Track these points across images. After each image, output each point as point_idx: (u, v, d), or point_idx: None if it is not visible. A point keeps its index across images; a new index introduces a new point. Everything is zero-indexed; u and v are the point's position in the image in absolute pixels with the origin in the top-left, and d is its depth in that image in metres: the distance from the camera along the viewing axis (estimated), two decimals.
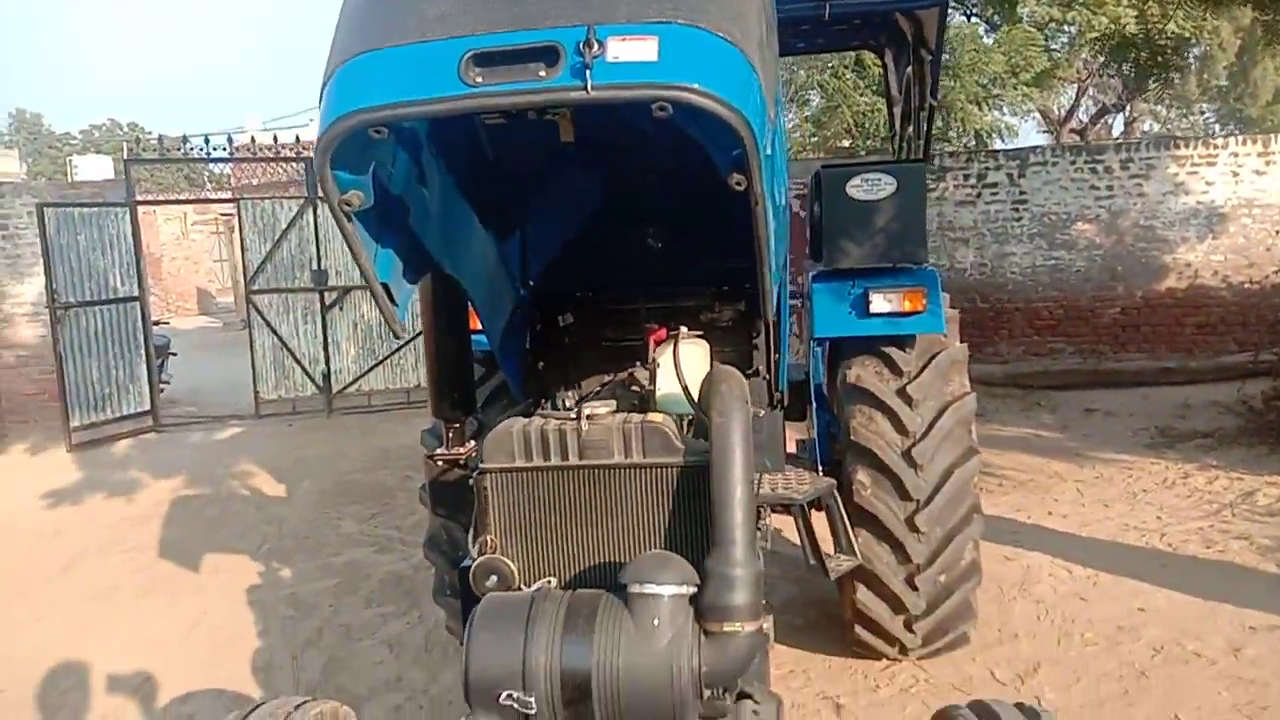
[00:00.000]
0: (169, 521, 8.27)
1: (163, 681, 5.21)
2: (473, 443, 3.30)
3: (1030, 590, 5.72)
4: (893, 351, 4.39)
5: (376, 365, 12.71)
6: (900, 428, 4.24)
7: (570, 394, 3.37)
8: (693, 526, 2.47)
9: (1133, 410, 9.97)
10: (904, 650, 4.52)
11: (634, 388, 3.17)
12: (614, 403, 2.63)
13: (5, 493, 9.53)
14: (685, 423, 2.93)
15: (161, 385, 13.26)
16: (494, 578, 2.49)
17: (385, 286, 2.47)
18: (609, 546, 2.51)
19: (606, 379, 3.49)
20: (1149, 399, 10.36)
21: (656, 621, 2.17)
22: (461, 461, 3.18)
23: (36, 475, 10.06)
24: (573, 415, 2.52)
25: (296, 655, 5.41)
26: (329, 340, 12.53)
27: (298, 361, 12.51)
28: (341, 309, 12.55)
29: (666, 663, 2.16)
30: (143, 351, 11.99)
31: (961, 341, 4.61)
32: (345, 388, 12.68)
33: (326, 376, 12.56)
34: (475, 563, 2.51)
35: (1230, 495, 7.16)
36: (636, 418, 2.53)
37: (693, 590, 2.22)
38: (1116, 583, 5.76)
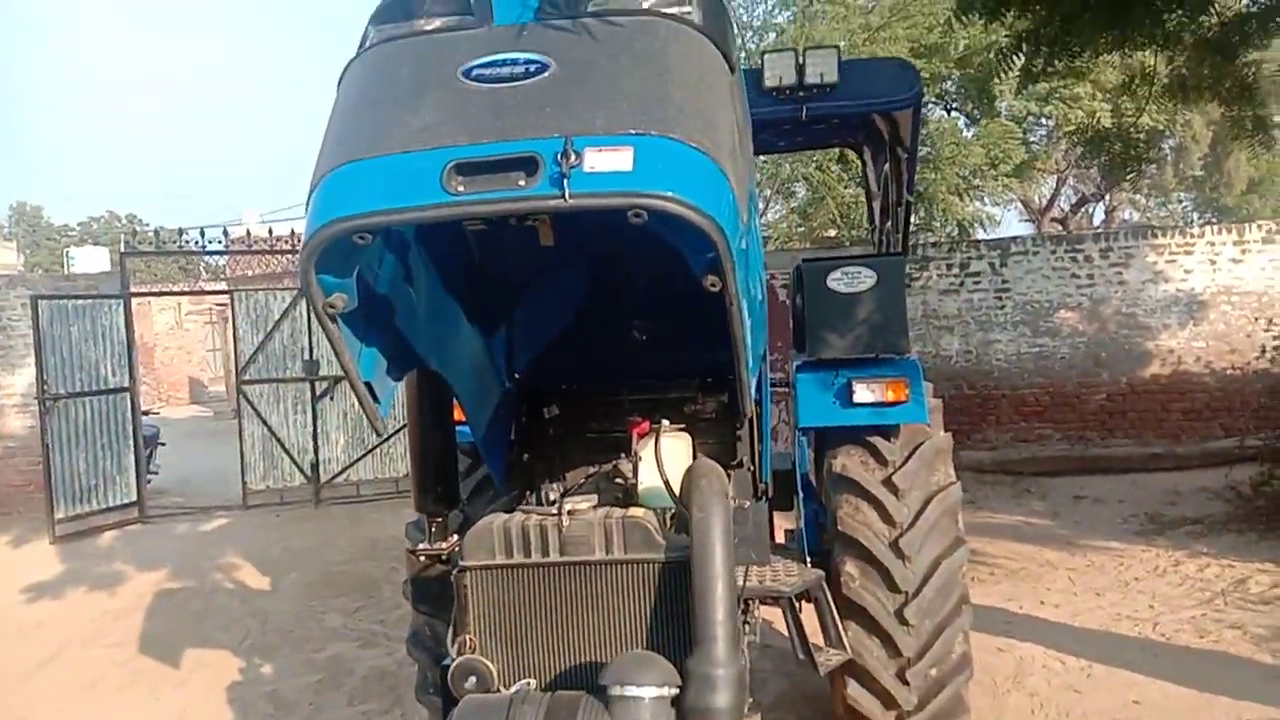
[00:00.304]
0: (152, 614, 8.14)
1: None
2: (455, 537, 3.30)
3: (1024, 683, 5.64)
4: (878, 441, 4.42)
5: (365, 455, 12.67)
6: (887, 518, 4.25)
7: (555, 486, 3.39)
8: (674, 624, 2.47)
9: (1121, 496, 9.97)
10: None
11: (617, 479, 3.19)
12: (595, 497, 2.65)
13: None
14: (668, 517, 2.95)
15: (149, 475, 13.17)
16: (473, 679, 2.47)
17: (368, 385, 2.50)
18: (590, 645, 2.50)
19: (591, 471, 3.51)
20: (1138, 485, 10.36)
21: None
22: (444, 557, 3.18)
23: (19, 568, 9.92)
24: (554, 511, 2.54)
25: None
26: (319, 430, 12.51)
27: (286, 451, 12.46)
28: (332, 398, 12.56)
29: None
30: (131, 442, 11.94)
31: (947, 430, 4.65)
32: (334, 477, 12.61)
33: (315, 466, 12.50)
34: (454, 663, 2.50)
35: (1222, 583, 7.13)
36: (618, 513, 2.55)
37: (674, 692, 2.20)
38: (1110, 674, 5.69)
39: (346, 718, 5.77)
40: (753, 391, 2.67)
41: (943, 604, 4.25)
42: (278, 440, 12.41)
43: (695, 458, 2.95)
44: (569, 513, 2.52)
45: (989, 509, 9.82)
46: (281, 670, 6.61)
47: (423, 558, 3.18)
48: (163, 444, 14.49)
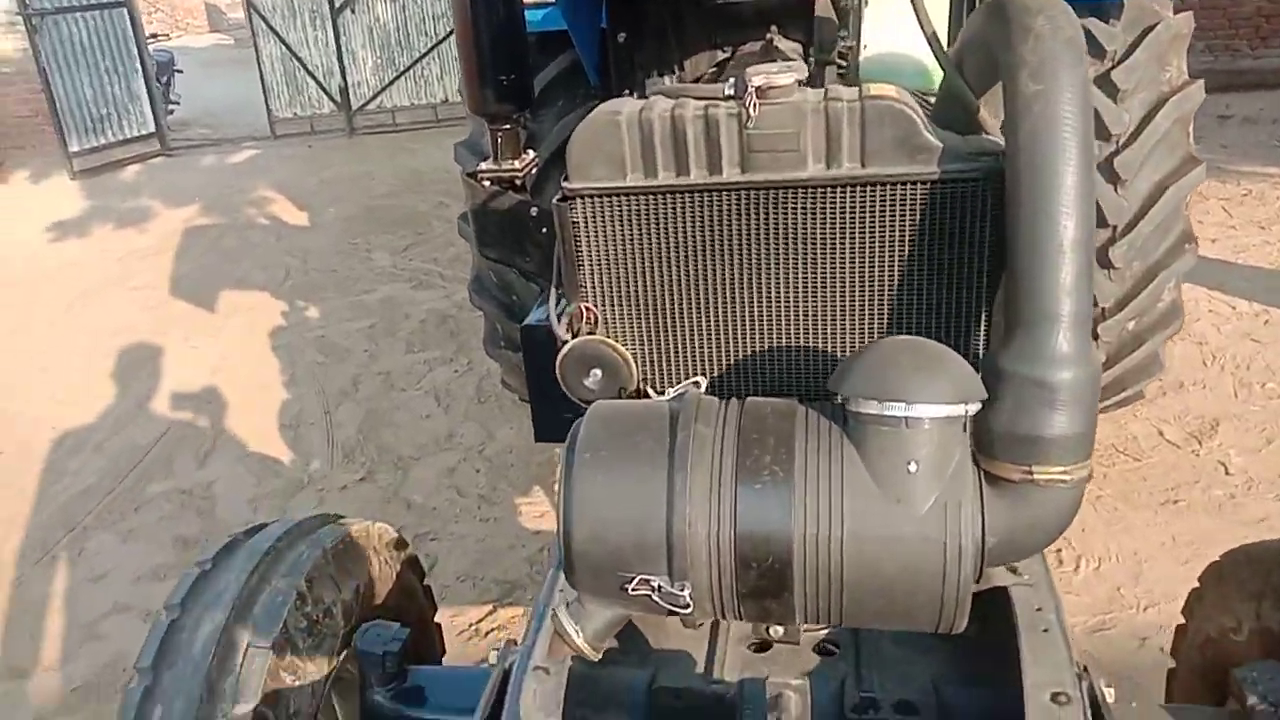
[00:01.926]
0: (183, 254, 7.47)
1: (176, 441, 4.56)
2: (531, 153, 2.28)
3: (1189, 329, 4.76)
4: (1092, 24, 3.18)
5: (398, 77, 11.37)
6: (1101, 129, 3.13)
7: (673, 80, 2.29)
8: (961, 292, 1.47)
9: (1275, 116, 8.57)
10: None
11: (792, 56, 2.07)
12: (803, 66, 1.51)
13: (8, 224, 8.73)
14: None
15: (170, 106, 12.11)
16: (597, 374, 1.56)
17: None
18: (799, 324, 1.54)
19: (725, 56, 2.38)
20: None
21: (913, 465, 1.25)
22: (518, 180, 2.19)
23: (39, 205, 9.23)
24: (726, 92, 1.45)
25: (330, 410, 4.71)
26: (343, 49, 11.13)
27: (310, 74, 11.21)
28: (354, 11, 11.04)
29: (924, 536, 1.27)
30: (139, 66, 10.73)
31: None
32: (366, 104, 11.44)
33: (344, 91, 11.29)
34: (567, 348, 1.57)
35: None
36: (848, 92, 1.45)
37: (975, 408, 1.28)
38: None
39: (406, 365, 5.15)
40: None
41: (1160, 241, 3.26)
42: (299, 61, 11.13)
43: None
44: (758, 90, 1.42)
45: None
46: (328, 314, 5.96)
47: (486, 183, 2.18)
48: (179, 71, 13.25)
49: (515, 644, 1.54)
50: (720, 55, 2.46)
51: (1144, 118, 3.17)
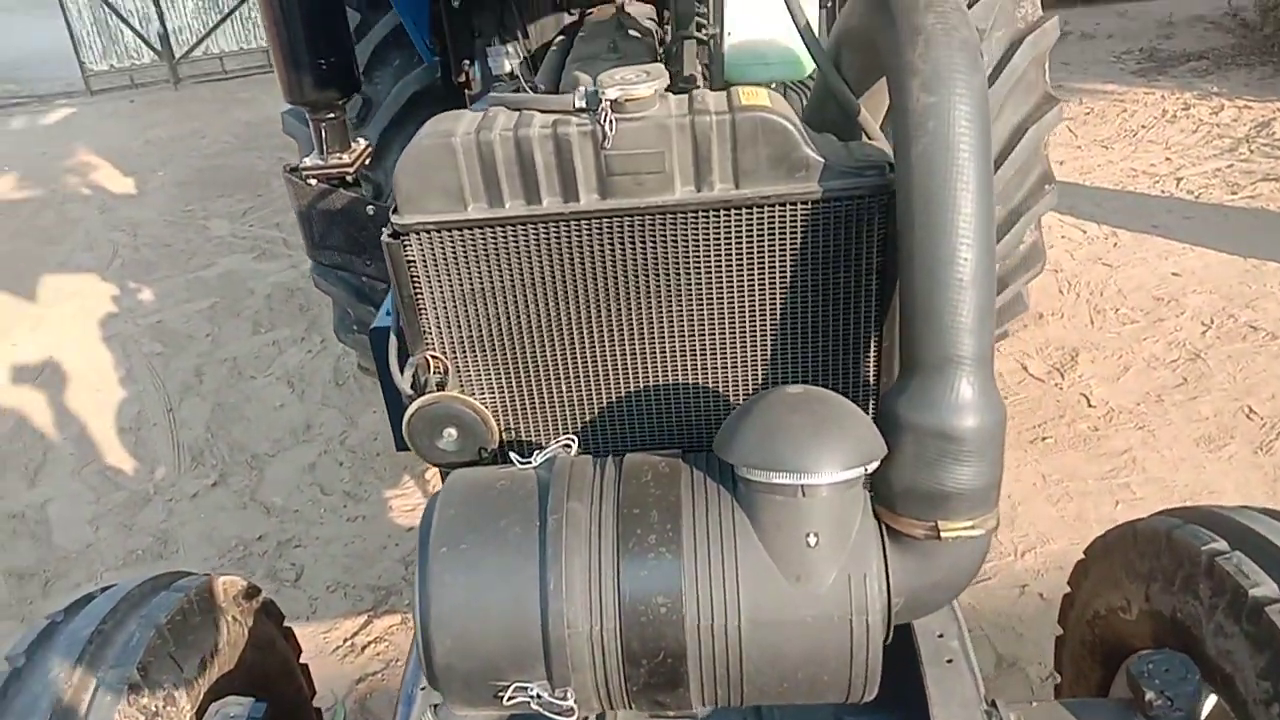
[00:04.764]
0: None
1: (1, 459, 4.13)
2: (362, 143, 2.04)
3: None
4: None
5: (224, 20, 10.53)
6: None
7: (515, 49, 2.07)
8: (846, 320, 1.32)
9: (1110, 31, 8.82)
10: None
11: (645, 38, 1.87)
12: (662, 71, 1.31)
13: None
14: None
15: None
16: (451, 433, 1.37)
17: None
18: (675, 365, 1.38)
19: (575, 19, 2.16)
20: (1126, 15, 9.18)
21: (812, 538, 1.13)
22: (349, 176, 1.95)
23: None
24: (576, 104, 1.25)
25: (172, 407, 4.34)
26: None
27: (124, 21, 10.26)
28: None
29: (828, 615, 1.15)
30: None
31: None
32: (190, 51, 10.57)
33: (164, 38, 10.39)
34: (413, 406, 1.38)
35: (1242, 128, 6.29)
36: (716, 102, 1.26)
37: (875, 466, 1.16)
38: (1139, 241, 4.97)
39: (253, 349, 4.80)
40: None
41: (1021, 183, 3.25)
42: (110, 7, 10.15)
43: None
44: (614, 104, 1.22)
45: None
46: (165, 295, 5.50)
47: (311, 181, 1.94)
48: None
49: None
50: (567, 19, 2.24)
51: (1001, 58, 3.12)
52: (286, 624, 2.11)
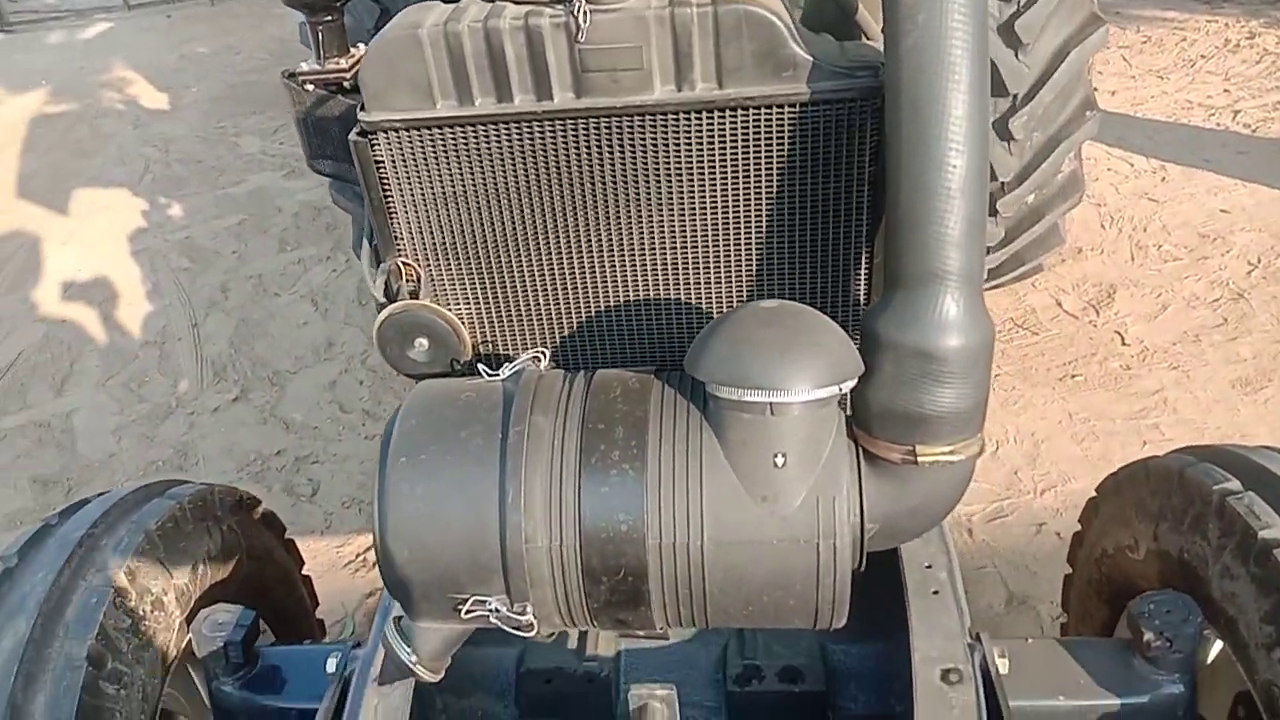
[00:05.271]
0: (29, 147, 6.80)
1: (30, 368, 4.19)
2: (362, 48, 1.97)
3: (1087, 190, 4.69)
4: None
5: None
6: None
7: None
8: (832, 233, 1.25)
9: None
10: None
11: None
12: None
13: None
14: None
15: None
16: (423, 343, 1.33)
17: None
18: (651, 276, 1.32)
19: None
20: None
21: (779, 458, 1.08)
22: (346, 82, 1.88)
23: None
24: None
25: (197, 321, 4.37)
26: None
27: None
28: None
29: (794, 537, 1.10)
30: None
31: None
32: None
33: None
34: (384, 314, 1.34)
35: None
36: None
37: (850, 385, 1.10)
38: (1188, 176, 4.77)
39: (279, 266, 4.80)
40: None
41: (1061, 109, 3.11)
42: None
43: None
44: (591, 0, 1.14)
45: None
46: (193, 212, 5.51)
47: (309, 86, 1.87)
48: None
49: (360, 646, 1.38)
50: None
51: None
52: (288, 535, 2.12)
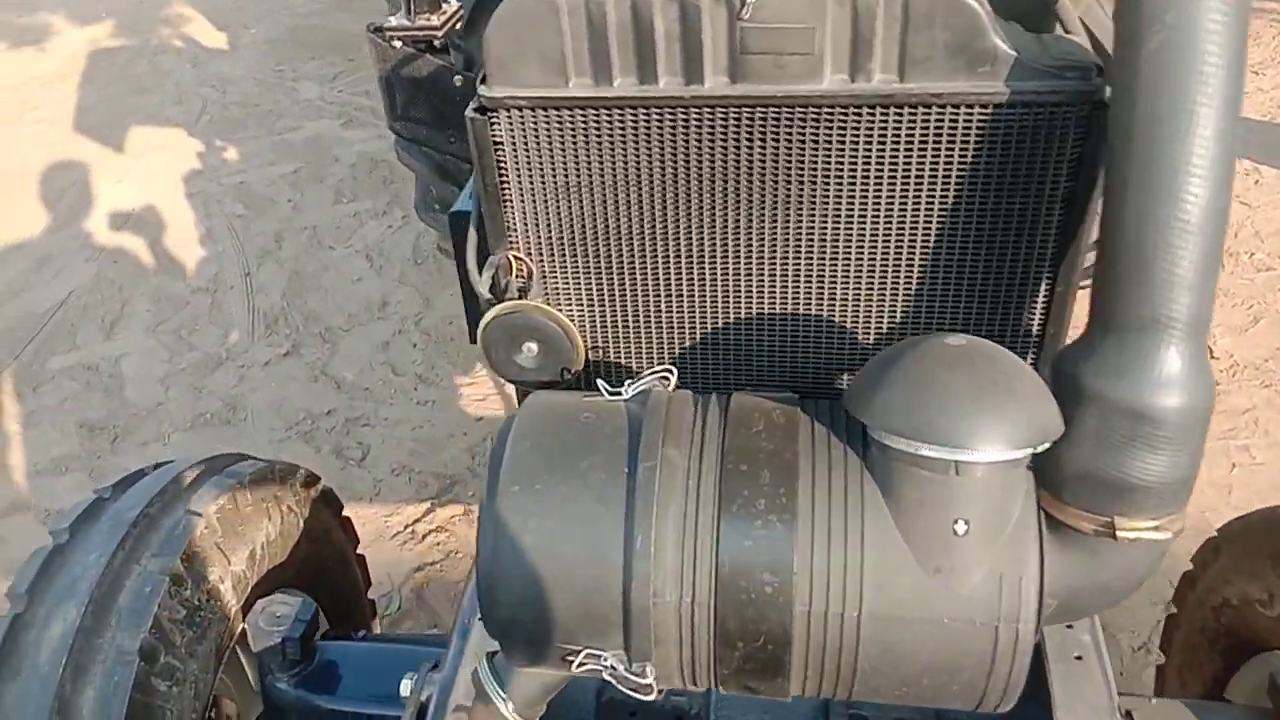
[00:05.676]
0: (88, 82, 6.74)
1: (80, 308, 4.14)
2: (454, 3, 1.84)
3: None
4: None
5: None
6: None
7: None
8: (1021, 258, 1.09)
9: None
10: None
11: None
12: None
13: None
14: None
15: None
16: (531, 347, 1.21)
17: None
18: (803, 290, 1.17)
19: None
20: None
21: (960, 525, 0.94)
22: (436, 41, 1.76)
23: None
24: None
25: (250, 271, 4.29)
26: None
27: None
28: None
29: (970, 619, 0.96)
30: None
31: None
32: None
33: None
34: (491, 314, 1.21)
35: None
36: None
37: (1043, 447, 0.96)
38: None
39: (334, 219, 4.70)
40: None
41: None
42: None
43: None
44: None
45: None
46: (249, 156, 5.42)
47: (397, 43, 1.75)
48: None
49: (437, 669, 1.27)
50: None
51: None
52: (345, 513, 2.03)
